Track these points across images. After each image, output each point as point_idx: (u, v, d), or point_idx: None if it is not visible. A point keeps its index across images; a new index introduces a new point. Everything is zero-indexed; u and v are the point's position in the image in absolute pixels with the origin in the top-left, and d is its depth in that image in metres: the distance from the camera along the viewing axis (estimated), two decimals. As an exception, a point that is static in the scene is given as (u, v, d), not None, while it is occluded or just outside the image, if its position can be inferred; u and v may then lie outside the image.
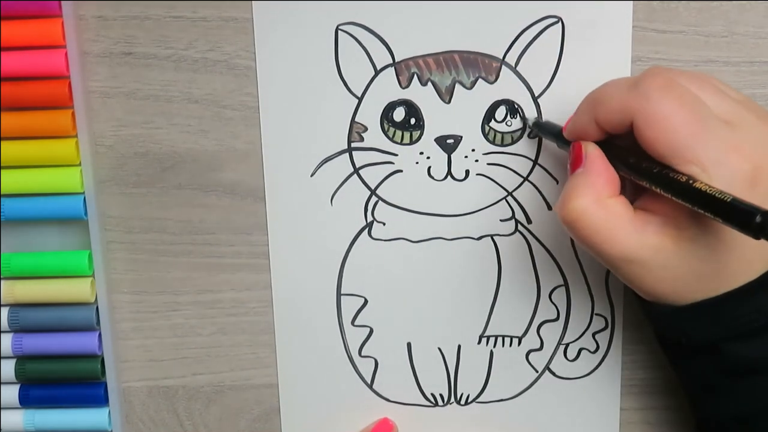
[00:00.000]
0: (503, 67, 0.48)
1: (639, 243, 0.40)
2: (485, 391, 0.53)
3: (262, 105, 0.50)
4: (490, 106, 0.49)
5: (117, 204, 0.51)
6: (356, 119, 0.49)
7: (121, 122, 0.50)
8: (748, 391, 0.42)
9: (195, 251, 0.52)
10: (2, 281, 0.51)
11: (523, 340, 0.52)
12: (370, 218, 0.51)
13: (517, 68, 0.48)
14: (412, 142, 0.49)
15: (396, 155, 0.50)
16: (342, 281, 0.52)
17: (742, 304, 0.40)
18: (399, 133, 0.49)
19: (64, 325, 0.52)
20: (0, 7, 0.47)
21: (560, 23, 0.48)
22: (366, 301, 0.52)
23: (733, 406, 0.43)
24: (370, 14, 0.48)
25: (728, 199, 0.35)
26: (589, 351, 0.53)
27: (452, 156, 0.50)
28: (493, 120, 0.49)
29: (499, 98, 0.49)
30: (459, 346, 0.53)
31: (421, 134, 0.49)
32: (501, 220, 0.51)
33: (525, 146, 0.49)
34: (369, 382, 0.53)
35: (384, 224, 0.51)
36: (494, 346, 0.53)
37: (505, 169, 0.50)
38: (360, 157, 0.50)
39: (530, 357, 0.53)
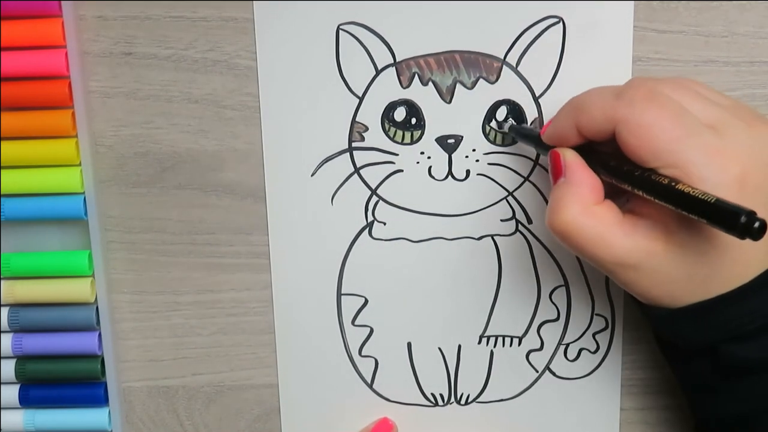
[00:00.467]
0: (504, 67, 0.48)
1: (629, 246, 0.40)
2: (485, 391, 0.53)
3: (263, 104, 0.49)
4: (491, 106, 0.48)
5: (117, 204, 0.51)
6: (357, 119, 0.49)
7: (121, 122, 0.50)
8: (746, 391, 0.42)
9: (195, 251, 0.51)
10: (2, 281, 0.51)
11: (523, 340, 0.52)
12: (370, 218, 0.50)
13: (518, 68, 0.48)
14: (412, 142, 0.49)
15: (397, 155, 0.49)
16: (342, 281, 0.51)
17: (737, 307, 0.40)
18: (400, 132, 0.49)
19: (64, 325, 0.51)
20: (0, 7, 0.46)
21: (561, 23, 0.47)
22: (366, 301, 0.52)
23: (731, 407, 0.43)
24: (372, 14, 0.47)
25: (712, 200, 0.35)
26: (590, 351, 0.52)
27: (453, 156, 0.49)
28: (494, 120, 0.49)
29: (500, 98, 0.48)
30: (459, 346, 0.52)
31: (422, 134, 0.49)
32: (501, 220, 0.50)
33: (526, 146, 0.49)
34: (369, 382, 0.53)
35: (384, 224, 0.51)
36: (494, 346, 0.52)
37: (506, 169, 0.49)
38: (361, 157, 0.50)
39: (530, 357, 0.52)
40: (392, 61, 0.48)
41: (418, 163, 0.49)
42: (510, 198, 0.50)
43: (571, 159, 0.42)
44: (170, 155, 0.50)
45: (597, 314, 0.52)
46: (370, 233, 0.51)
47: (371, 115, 0.49)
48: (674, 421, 0.53)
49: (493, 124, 0.49)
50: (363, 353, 0.53)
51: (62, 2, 0.47)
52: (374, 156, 0.49)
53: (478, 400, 0.53)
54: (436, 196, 0.50)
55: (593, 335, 0.52)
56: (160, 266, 0.52)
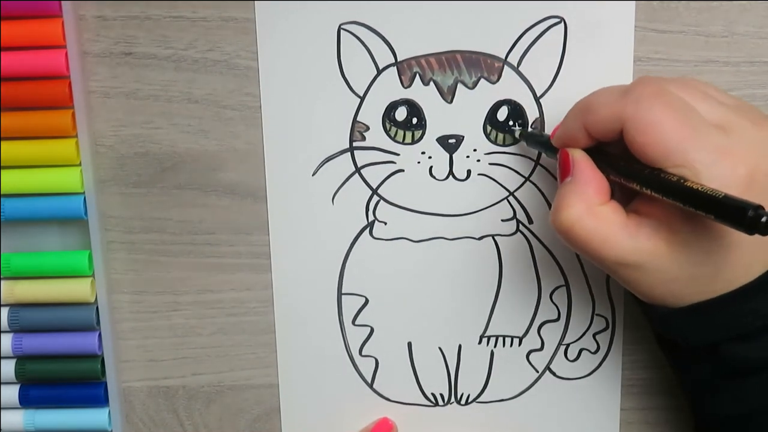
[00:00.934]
0: (505, 67, 0.47)
1: (633, 247, 0.39)
2: (485, 391, 0.52)
3: (264, 103, 0.48)
4: (492, 106, 0.48)
5: (117, 204, 0.50)
6: (358, 118, 0.48)
7: (121, 122, 0.49)
8: (747, 390, 0.41)
9: (195, 251, 0.51)
10: (2, 281, 0.50)
11: (523, 340, 0.51)
12: (371, 217, 0.50)
13: (520, 68, 0.47)
14: (413, 142, 0.48)
15: (398, 155, 0.49)
16: (343, 280, 0.51)
17: (740, 306, 0.40)
18: (401, 132, 0.48)
19: (64, 325, 0.50)
20: (0, 7, 0.46)
21: (563, 23, 0.47)
22: (367, 301, 0.51)
23: (732, 406, 0.42)
24: (373, 13, 0.47)
25: (720, 196, 0.35)
26: (590, 351, 0.52)
27: (454, 156, 0.48)
28: (505, 126, 0.48)
29: (502, 98, 0.48)
30: (459, 346, 0.52)
31: (423, 134, 0.48)
32: (502, 220, 0.50)
33: (527, 146, 0.48)
34: (369, 382, 0.52)
35: (385, 224, 0.50)
36: (495, 346, 0.52)
37: (507, 169, 0.49)
38: (362, 157, 0.49)
39: (531, 357, 0.52)
40: (393, 61, 0.47)
41: (419, 162, 0.49)
42: (511, 198, 0.49)
43: (579, 158, 0.42)
44: (170, 155, 0.49)
45: (597, 314, 0.51)
46: (370, 233, 0.50)
47: (372, 115, 0.48)
48: (674, 422, 0.52)
49: (495, 129, 0.48)
50: (363, 353, 0.52)
51: (62, 2, 0.46)
52: (375, 156, 0.49)
53: (478, 400, 0.52)
54: (437, 196, 0.49)
55: (594, 336, 0.51)
56: (160, 266, 0.51)
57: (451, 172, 0.49)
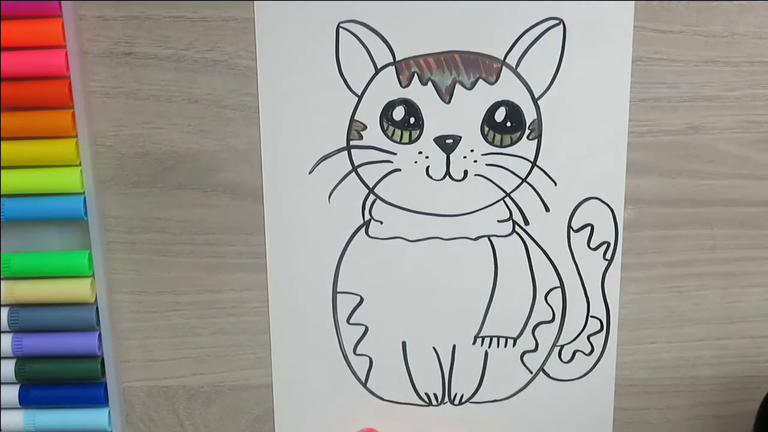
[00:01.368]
0: (504, 67, 0.45)
1: None
2: (479, 391, 0.51)
3: (262, 101, 0.47)
4: (490, 107, 0.46)
5: (117, 204, 0.48)
6: (356, 117, 0.46)
7: (121, 122, 0.47)
8: None
9: (195, 251, 0.49)
10: (2, 281, 0.48)
11: (518, 341, 0.50)
12: (367, 216, 0.48)
13: (518, 69, 0.45)
14: (411, 142, 0.46)
15: (395, 154, 0.47)
16: (338, 279, 0.49)
17: None
18: (398, 132, 0.46)
19: (64, 325, 0.49)
20: (0, 7, 0.44)
21: (562, 25, 0.45)
22: (362, 300, 0.49)
23: None
24: (372, 13, 0.45)
25: None
26: (584, 353, 0.50)
27: (451, 156, 0.47)
28: (492, 121, 0.46)
29: (500, 99, 0.46)
30: (454, 346, 0.50)
31: (421, 134, 0.46)
32: (498, 221, 0.48)
33: (524, 147, 0.46)
34: (363, 381, 0.51)
35: (381, 223, 0.48)
36: (489, 347, 0.50)
37: (504, 170, 0.47)
38: (359, 156, 0.47)
39: (525, 358, 0.50)
40: (392, 60, 0.46)
41: (416, 162, 0.47)
42: (507, 199, 0.47)
43: None
44: (170, 155, 0.47)
45: (592, 316, 0.49)
46: (366, 232, 0.48)
47: (370, 114, 0.46)
48: (674, 422, 0.51)
49: (493, 130, 0.46)
50: (358, 352, 0.50)
51: (62, 2, 0.44)
52: (372, 155, 0.47)
53: (471, 400, 0.51)
54: (434, 195, 0.47)
55: (588, 337, 0.50)
56: (160, 266, 0.49)
57: (447, 173, 0.47)
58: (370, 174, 0.47)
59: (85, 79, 0.46)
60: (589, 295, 0.48)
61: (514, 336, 0.49)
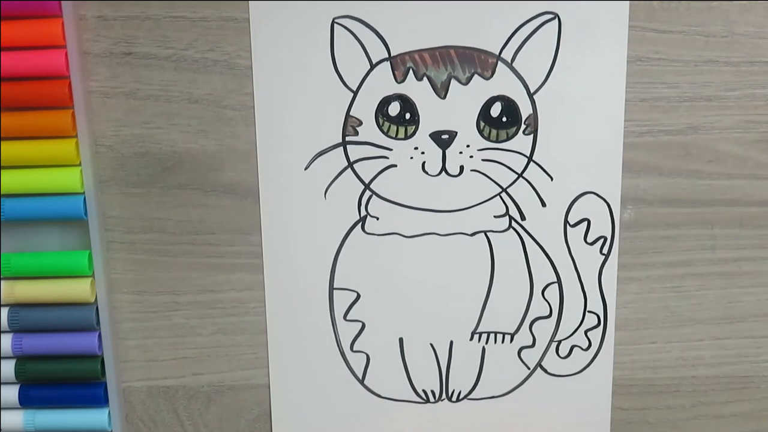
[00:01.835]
0: (499, 62, 0.44)
1: None
2: (477, 387, 0.49)
3: (257, 97, 0.45)
4: (485, 102, 0.44)
5: (117, 204, 0.46)
6: (351, 113, 0.45)
7: (121, 122, 0.45)
8: None
9: (195, 251, 0.47)
10: (2, 281, 0.46)
11: (515, 336, 0.48)
12: (363, 212, 0.46)
13: (513, 64, 0.44)
14: (406, 137, 0.45)
15: (390, 150, 0.45)
16: (335, 275, 0.47)
17: None
18: (394, 127, 0.44)
19: (64, 325, 0.47)
20: (0, 7, 0.42)
21: (557, 20, 0.43)
22: (358, 296, 0.47)
23: None
24: (367, 8, 0.43)
25: None
26: (581, 348, 0.48)
27: (447, 151, 0.45)
28: (488, 116, 0.44)
29: (495, 94, 0.44)
30: (451, 342, 0.48)
31: (416, 129, 0.44)
32: (495, 217, 0.46)
33: (520, 143, 0.44)
34: (360, 378, 0.49)
35: (377, 219, 0.46)
36: (486, 343, 0.48)
37: (500, 165, 0.45)
38: (354, 151, 0.45)
39: (522, 354, 0.48)
40: (387, 56, 0.44)
41: (411, 158, 0.45)
42: (503, 194, 0.45)
43: None
44: (170, 155, 0.45)
45: (589, 311, 0.47)
46: (363, 228, 0.46)
47: (365, 110, 0.44)
48: (674, 422, 0.49)
49: (488, 125, 0.44)
50: (355, 348, 0.48)
51: (62, 2, 0.42)
52: (368, 150, 0.45)
53: (469, 396, 0.49)
54: (430, 191, 0.45)
55: (585, 332, 0.48)
56: (160, 266, 0.47)
57: (443, 168, 0.45)
58: (366, 170, 0.45)
59: (85, 79, 0.44)
60: (586, 290, 0.46)
61: (512, 332, 0.47)
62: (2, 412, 0.47)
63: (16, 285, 0.45)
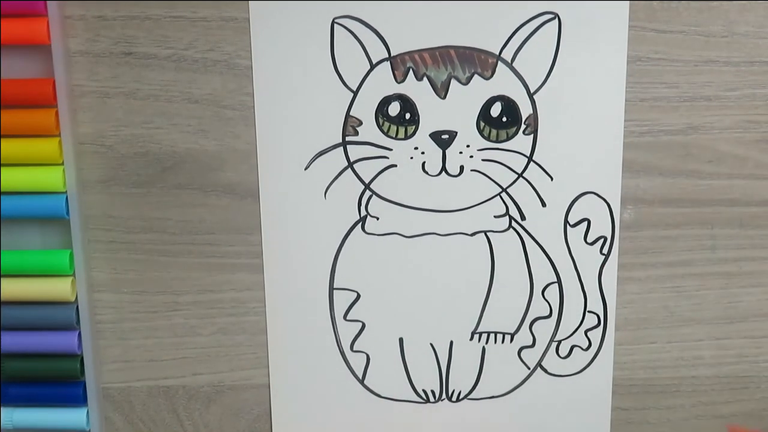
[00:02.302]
0: (499, 62, 0.43)
1: None
2: (477, 387, 0.49)
3: (257, 97, 0.44)
4: (485, 102, 0.44)
5: (117, 204, 0.46)
6: (351, 113, 0.44)
7: (121, 122, 0.45)
8: None
9: (195, 251, 0.47)
10: None
11: (515, 336, 0.48)
12: (363, 212, 0.46)
13: (513, 64, 0.44)
14: (406, 137, 0.44)
15: (390, 150, 0.45)
16: (335, 275, 0.47)
17: None
18: (394, 127, 0.44)
19: (44, 323, 0.47)
20: None
21: (557, 20, 0.43)
22: (358, 296, 0.47)
23: None
24: (367, 8, 0.43)
25: None
26: (582, 348, 0.48)
27: (447, 151, 0.44)
28: (488, 116, 0.44)
29: (495, 94, 0.44)
30: (451, 342, 0.48)
31: (416, 129, 0.44)
32: (495, 217, 0.46)
33: (520, 142, 0.44)
34: (360, 377, 0.48)
35: (377, 219, 0.46)
36: (486, 343, 0.48)
37: (500, 165, 0.45)
38: (354, 151, 0.45)
39: (522, 354, 0.48)
40: (387, 56, 0.44)
41: (411, 158, 0.45)
42: (503, 194, 0.45)
43: None
44: (170, 155, 0.45)
45: (589, 311, 0.47)
46: (363, 228, 0.46)
47: (365, 110, 0.44)
48: (674, 422, 0.49)
49: (488, 125, 0.44)
50: (355, 348, 0.48)
51: (47, 2, 0.42)
52: (368, 150, 0.45)
53: (469, 396, 0.49)
54: (430, 191, 0.45)
55: (585, 332, 0.48)
56: (161, 266, 0.47)
57: (443, 168, 0.45)
58: (366, 170, 0.45)
59: (84, 79, 0.43)
60: (586, 290, 0.46)
61: (512, 332, 0.47)
62: (-19, 410, 0.47)
63: (-4, 282, 0.45)
